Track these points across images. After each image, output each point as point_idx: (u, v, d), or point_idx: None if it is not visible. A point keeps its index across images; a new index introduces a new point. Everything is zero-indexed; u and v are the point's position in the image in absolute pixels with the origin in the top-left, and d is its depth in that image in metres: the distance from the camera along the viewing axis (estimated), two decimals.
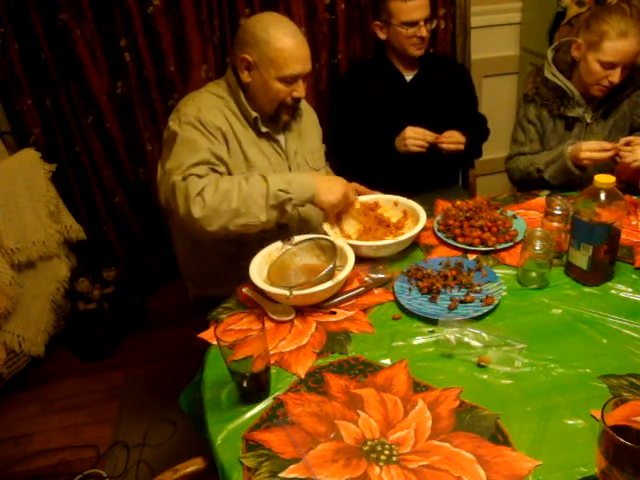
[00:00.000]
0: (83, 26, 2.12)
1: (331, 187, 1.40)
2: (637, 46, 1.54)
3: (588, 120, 1.72)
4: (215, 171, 1.39)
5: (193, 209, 1.29)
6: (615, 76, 1.57)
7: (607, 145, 1.55)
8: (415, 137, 1.82)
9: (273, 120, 1.53)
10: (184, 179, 1.32)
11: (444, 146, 1.83)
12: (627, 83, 1.65)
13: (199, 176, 1.34)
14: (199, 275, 1.65)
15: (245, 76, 1.45)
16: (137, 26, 2.16)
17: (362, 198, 1.57)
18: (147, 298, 2.58)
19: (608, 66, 1.58)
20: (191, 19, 2.19)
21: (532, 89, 1.79)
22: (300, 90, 1.45)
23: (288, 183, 1.34)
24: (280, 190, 1.32)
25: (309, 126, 1.68)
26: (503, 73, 1.89)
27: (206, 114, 1.42)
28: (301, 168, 1.61)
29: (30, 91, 2.19)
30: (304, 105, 1.66)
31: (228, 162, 1.44)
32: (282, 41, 1.38)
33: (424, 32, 1.87)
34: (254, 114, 1.48)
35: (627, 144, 1.50)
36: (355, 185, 1.64)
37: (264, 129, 1.50)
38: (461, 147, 1.84)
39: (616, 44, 1.53)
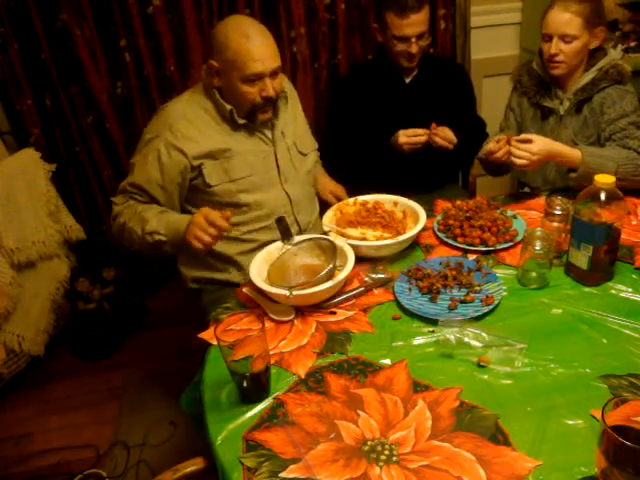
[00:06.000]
0: (83, 26, 2.12)
1: (192, 234, 1.37)
2: (563, 14, 1.56)
3: (561, 112, 1.72)
4: (133, 199, 1.53)
5: (111, 227, 1.58)
6: (552, 47, 1.59)
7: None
8: (409, 142, 1.83)
9: (251, 119, 1.53)
10: (111, 202, 1.59)
11: (436, 139, 1.81)
12: (601, 77, 1.63)
13: (115, 204, 1.56)
14: (190, 257, 1.66)
15: (216, 81, 1.49)
16: (137, 26, 2.16)
17: (362, 198, 1.57)
18: (147, 298, 2.58)
19: (547, 38, 1.62)
20: (191, 19, 2.19)
21: (516, 76, 1.81)
22: (268, 89, 1.46)
23: (163, 225, 1.45)
24: (148, 237, 1.46)
25: (296, 110, 1.70)
26: (503, 73, 1.90)
27: (163, 134, 1.47)
28: (291, 151, 1.63)
29: (30, 91, 2.19)
30: (289, 89, 1.68)
31: (166, 183, 1.50)
32: (239, 43, 1.41)
33: (414, 49, 1.85)
34: (228, 107, 1.50)
35: (524, 141, 1.50)
36: (335, 190, 1.76)
37: (241, 121, 1.52)
38: (450, 146, 1.83)
39: (548, 14, 1.61)
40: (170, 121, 1.48)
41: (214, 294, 1.61)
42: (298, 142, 1.66)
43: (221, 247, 1.56)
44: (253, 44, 1.41)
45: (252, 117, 1.52)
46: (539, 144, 1.48)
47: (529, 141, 1.49)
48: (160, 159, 1.47)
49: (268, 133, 1.58)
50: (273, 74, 1.46)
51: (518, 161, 1.49)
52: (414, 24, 1.81)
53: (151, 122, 1.55)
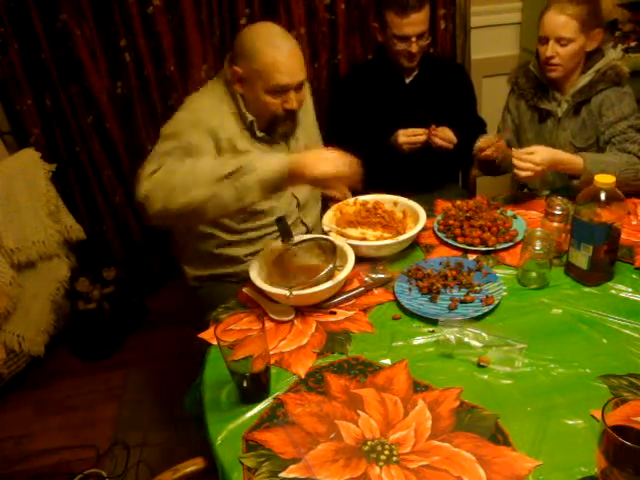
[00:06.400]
0: (83, 26, 2.12)
1: (322, 155, 1.22)
2: (559, 17, 1.56)
3: (559, 115, 1.71)
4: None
5: (141, 188, 1.25)
6: (548, 50, 1.59)
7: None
8: (408, 142, 1.83)
9: (271, 130, 1.51)
10: (147, 163, 1.31)
11: (435, 139, 1.81)
12: (599, 79, 1.62)
13: (151, 162, 1.31)
14: (196, 257, 1.65)
15: (238, 87, 1.45)
16: (137, 26, 2.16)
17: (362, 198, 1.57)
18: (147, 298, 2.58)
19: (544, 41, 1.61)
20: (191, 19, 2.19)
21: (513, 78, 1.80)
22: (291, 102, 1.43)
23: (245, 156, 1.23)
24: (232, 160, 1.20)
25: (309, 112, 1.68)
26: (503, 73, 1.90)
27: (200, 114, 1.41)
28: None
29: (30, 91, 2.19)
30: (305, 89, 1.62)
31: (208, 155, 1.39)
32: (268, 53, 1.37)
33: (414, 48, 1.85)
34: (250, 118, 1.47)
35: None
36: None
37: (260, 134, 1.49)
38: (450, 146, 1.82)
39: (544, 16, 1.60)
40: (202, 114, 1.42)
41: (214, 288, 1.61)
42: (308, 144, 1.63)
43: (232, 251, 1.57)
44: (281, 55, 1.37)
45: (272, 128, 1.50)
46: (542, 154, 1.46)
47: (530, 152, 1.47)
48: (196, 143, 1.38)
49: (284, 140, 1.56)
50: (298, 87, 1.43)
51: (522, 173, 1.47)
52: (414, 23, 1.81)
53: (180, 115, 1.44)
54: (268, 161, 1.20)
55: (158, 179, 1.24)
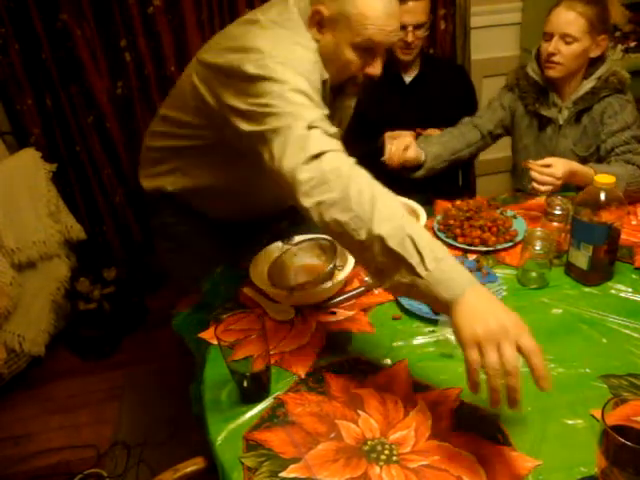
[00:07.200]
0: (83, 26, 2.12)
1: (510, 322, 0.86)
2: (568, 13, 1.55)
3: (560, 122, 1.69)
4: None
5: (300, 168, 0.95)
6: (551, 45, 1.57)
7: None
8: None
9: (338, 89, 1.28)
10: (309, 129, 0.99)
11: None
12: (602, 86, 1.61)
13: (327, 133, 1.01)
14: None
15: (314, 32, 1.15)
16: (137, 26, 2.17)
17: None
18: (147, 298, 2.58)
19: (548, 37, 1.60)
20: (191, 19, 2.20)
21: (513, 79, 1.78)
22: (376, 67, 1.19)
23: (431, 249, 0.87)
24: (412, 238, 0.87)
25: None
26: (503, 73, 1.91)
27: (308, 74, 1.10)
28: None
29: (30, 91, 2.19)
30: None
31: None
32: (371, 2, 1.10)
33: (410, 38, 1.85)
34: (326, 75, 1.17)
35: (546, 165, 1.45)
36: None
37: (328, 95, 1.23)
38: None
39: (552, 12, 1.59)
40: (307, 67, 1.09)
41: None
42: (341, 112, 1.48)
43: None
44: (384, 5, 1.11)
45: (337, 91, 1.28)
46: (560, 167, 1.42)
47: (548, 165, 1.44)
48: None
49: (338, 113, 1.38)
50: (384, 52, 1.20)
51: (543, 188, 1.43)
52: (412, 12, 1.82)
53: (272, 50, 1.06)
54: (446, 280, 0.85)
55: (326, 172, 0.94)
